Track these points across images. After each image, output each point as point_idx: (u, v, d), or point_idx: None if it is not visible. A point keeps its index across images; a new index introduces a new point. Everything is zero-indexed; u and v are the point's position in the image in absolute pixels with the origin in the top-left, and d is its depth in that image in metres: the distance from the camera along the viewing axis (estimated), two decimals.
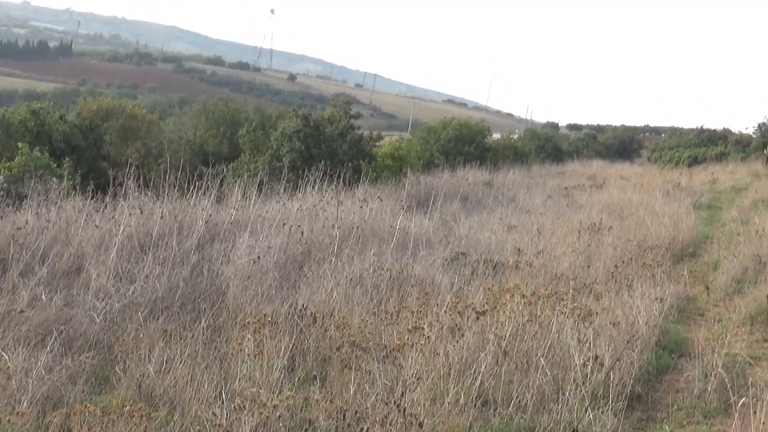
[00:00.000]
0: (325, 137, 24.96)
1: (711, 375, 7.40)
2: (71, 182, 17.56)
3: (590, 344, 7.09)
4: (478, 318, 7.27)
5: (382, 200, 17.20)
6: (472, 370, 6.65)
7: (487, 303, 7.92)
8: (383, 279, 10.67)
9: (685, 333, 9.61)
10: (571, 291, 8.99)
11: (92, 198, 14.03)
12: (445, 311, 7.53)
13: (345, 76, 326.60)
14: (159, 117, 38.29)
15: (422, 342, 6.79)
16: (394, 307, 8.41)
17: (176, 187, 14.60)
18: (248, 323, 7.56)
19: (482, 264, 11.91)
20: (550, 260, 12.57)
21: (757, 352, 8.72)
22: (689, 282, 13.29)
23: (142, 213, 12.59)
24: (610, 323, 7.70)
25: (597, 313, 7.71)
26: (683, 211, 21.23)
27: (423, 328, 7.09)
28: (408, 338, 6.83)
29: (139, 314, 8.93)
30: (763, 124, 49.79)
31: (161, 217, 12.35)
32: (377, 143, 28.25)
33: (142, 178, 14.42)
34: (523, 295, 7.58)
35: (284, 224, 13.22)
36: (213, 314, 9.42)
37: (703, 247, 16.32)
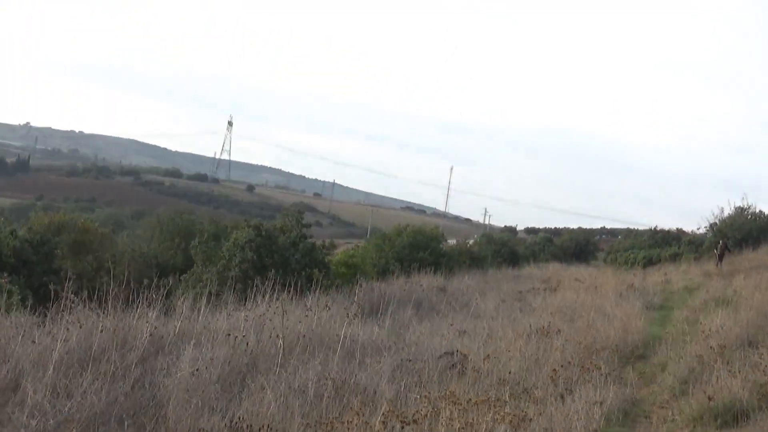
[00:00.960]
0: (277, 247, 24.97)
1: None
2: (18, 297, 17.36)
3: None
4: (402, 428, 7.14)
5: (330, 308, 17.05)
6: None
7: (422, 411, 7.82)
8: (326, 389, 10.53)
9: None
10: (507, 396, 8.89)
11: (35, 313, 13.83)
12: (378, 421, 7.37)
13: (304, 185, 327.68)
14: (112, 230, 38.19)
15: None
16: (330, 418, 8.27)
17: (121, 300, 14.42)
18: None
19: (427, 371, 11.81)
20: (497, 365, 12.49)
21: None
22: (637, 383, 13.27)
23: (81, 327, 12.35)
24: (544, 429, 7.59)
25: (531, 418, 7.59)
26: (635, 312, 21.30)
27: None
28: None
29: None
30: (714, 224, 50.37)
31: (101, 331, 12.10)
32: (330, 252, 28.29)
33: (87, 292, 14.24)
34: (458, 403, 7.48)
35: (228, 335, 13.06)
36: (152, 429, 9.22)
37: (652, 348, 16.29)
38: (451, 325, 18.09)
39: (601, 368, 12.97)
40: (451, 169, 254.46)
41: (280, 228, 26.29)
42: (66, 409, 9.62)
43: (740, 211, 50.28)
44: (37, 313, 14.02)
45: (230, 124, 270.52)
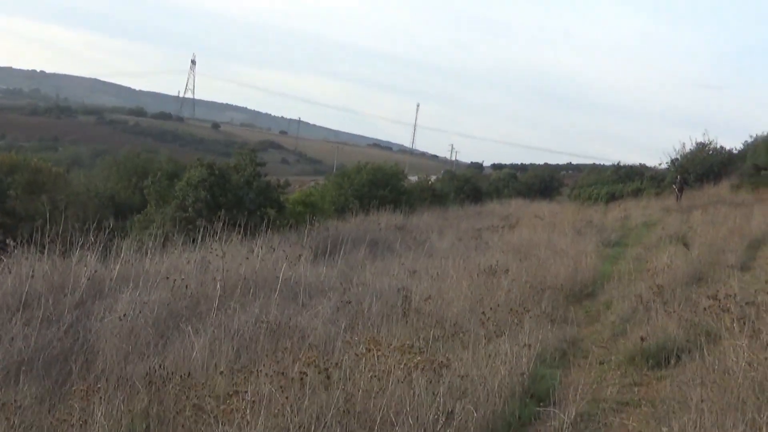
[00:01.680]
0: (231, 186, 24.64)
1: (567, 426, 7.18)
2: None
3: (440, 398, 6.80)
4: (320, 373, 6.95)
5: (275, 249, 16.81)
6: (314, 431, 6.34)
7: (340, 359, 7.65)
8: (260, 333, 10.34)
9: (563, 378, 9.39)
10: (434, 340, 8.74)
11: None
12: (299, 366, 7.18)
13: (269, 123, 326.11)
14: (67, 169, 37.62)
15: (258, 402, 6.45)
16: (249, 364, 8.09)
17: (62, 243, 14.15)
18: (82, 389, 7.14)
19: (365, 313, 11.65)
20: (439, 306, 12.33)
21: (625, 397, 8.54)
22: (582, 322, 13.19)
23: (10, 272, 12.06)
24: (460, 376, 7.41)
25: (448, 364, 7.40)
26: (589, 250, 21.23)
27: (272, 385, 6.77)
28: (247, 397, 6.49)
29: None
30: (676, 159, 50.48)
31: (32, 276, 11.80)
32: (285, 190, 27.99)
33: (37, 233, 13.94)
34: (379, 348, 7.28)
35: (167, 278, 12.83)
36: (77, 374, 9.02)
37: (601, 286, 16.20)
38: (402, 264, 17.89)
39: (542, 307, 12.88)
40: (418, 106, 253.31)
41: (234, 167, 25.94)
42: None
43: (701, 147, 50.41)
44: None
45: (193, 62, 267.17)
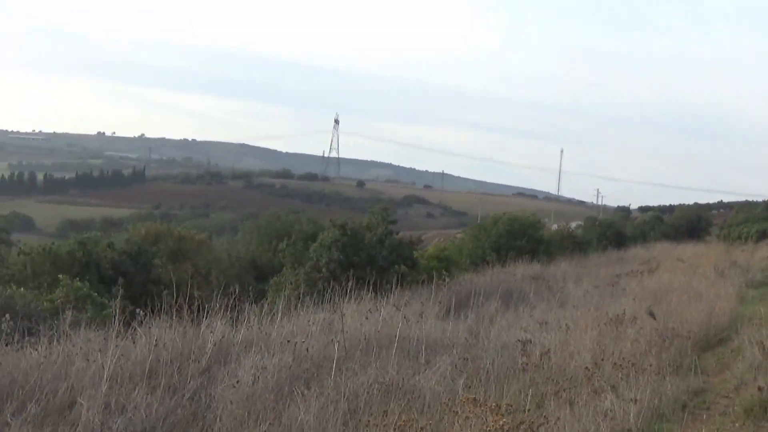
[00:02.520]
0: (363, 245, 24.91)
1: None
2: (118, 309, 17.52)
3: None
4: None
5: (399, 308, 16.80)
6: None
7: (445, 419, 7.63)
8: (376, 394, 10.38)
9: None
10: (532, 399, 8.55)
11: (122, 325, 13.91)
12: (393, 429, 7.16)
13: (413, 178, 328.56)
14: (209, 236, 38.72)
15: None
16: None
17: (192, 309, 14.51)
18: None
19: (484, 370, 11.56)
20: (562, 360, 12.12)
21: None
22: (713, 371, 12.76)
23: (134, 342, 12.45)
24: None
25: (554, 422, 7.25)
26: (729, 293, 20.59)
27: None
28: None
29: None
30: None
31: (155, 345, 12.14)
32: (417, 246, 28.11)
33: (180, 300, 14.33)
34: (471, 410, 7.18)
35: (288, 341, 13.01)
36: None
37: (737, 331, 15.64)
38: (531, 316, 17.69)
39: (666, 357, 12.50)
40: (561, 151, 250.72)
41: (366, 226, 26.22)
42: (116, 425, 9.68)
43: None
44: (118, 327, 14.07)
45: (336, 122, 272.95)
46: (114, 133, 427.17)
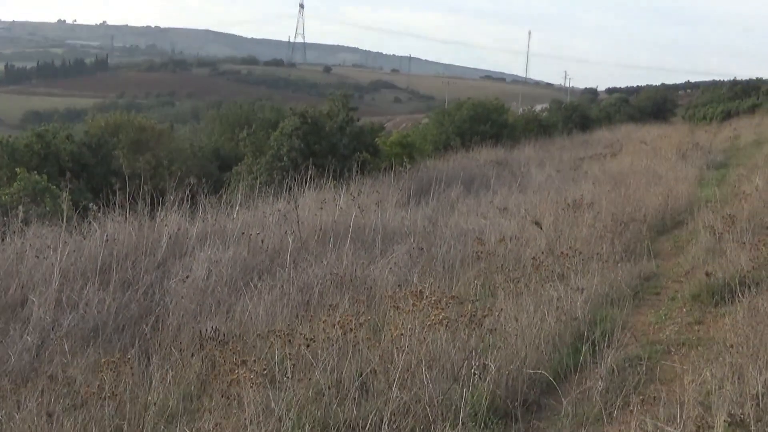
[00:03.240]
0: (324, 133, 24.66)
1: (615, 371, 6.96)
2: (79, 202, 17.28)
3: (474, 352, 6.64)
4: (345, 334, 6.87)
5: (356, 196, 16.70)
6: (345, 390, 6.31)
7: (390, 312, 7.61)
8: (329, 286, 10.35)
9: (630, 318, 9.11)
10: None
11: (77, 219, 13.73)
12: (336, 323, 7.11)
13: (381, 62, 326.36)
14: (171, 126, 38.21)
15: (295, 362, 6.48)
16: (298, 320, 8.11)
17: (152, 202, 14.37)
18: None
19: (439, 259, 11.55)
20: (516, 246, 12.11)
21: (681, 337, 8.24)
22: (668, 255, 12.84)
23: (84, 237, 12.30)
24: (490, 330, 7.22)
25: (485, 315, 7.22)
26: (689, 175, 20.66)
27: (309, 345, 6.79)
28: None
29: (65, 346, 8.64)
30: None
31: (105, 240, 12.00)
32: (380, 133, 27.91)
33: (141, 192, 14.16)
34: (414, 303, 7.13)
35: (242, 233, 12.93)
36: (149, 336, 9.17)
37: (695, 214, 15.68)
38: (491, 202, 17.66)
39: (621, 242, 12.53)
40: (529, 33, 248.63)
41: (327, 113, 25.90)
42: (67, 322, 9.60)
43: None
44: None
45: (302, 6, 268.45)
46: (75, 20, 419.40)
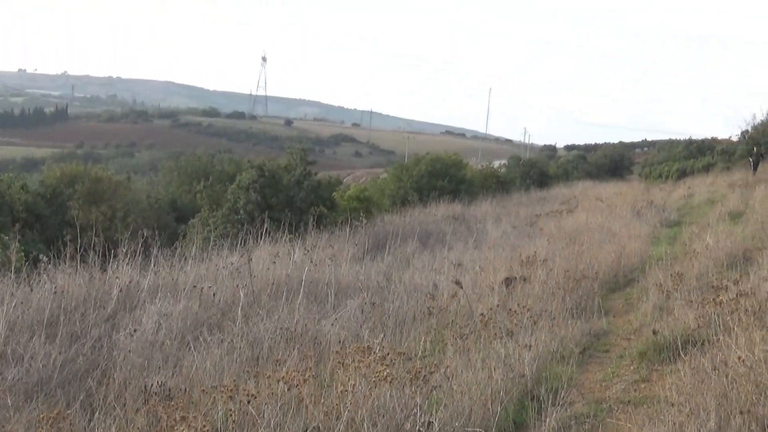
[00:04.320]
0: (281, 186, 24.68)
1: (559, 429, 6.96)
2: (30, 252, 17.16)
3: (419, 408, 6.61)
4: (290, 389, 6.83)
5: (310, 250, 16.70)
6: None
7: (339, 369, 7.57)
8: (280, 341, 10.28)
9: (578, 375, 9.14)
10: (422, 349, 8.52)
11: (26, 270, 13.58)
12: (282, 379, 7.07)
13: (342, 116, 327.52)
14: (128, 177, 38.04)
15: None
16: (245, 377, 8.04)
17: (101, 253, 14.25)
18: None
19: (390, 314, 11.52)
20: (469, 303, 12.10)
21: (628, 395, 8.28)
22: (620, 312, 12.91)
23: (31, 289, 12.15)
24: (435, 386, 7.21)
25: (444, 369, 7.23)
26: (643, 233, 20.85)
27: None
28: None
29: (8, 400, 8.49)
30: (746, 131, 49.37)
31: (54, 292, 11.86)
32: (337, 187, 28.00)
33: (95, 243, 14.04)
34: (361, 360, 7.11)
35: (194, 286, 12.83)
36: (94, 390, 9.03)
37: (648, 271, 15.80)
38: (445, 258, 17.68)
39: (573, 299, 12.58)
40: (490, 90, 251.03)
41: (284, 167, 25.94)
42: (11, 375, 9.44)
43: None
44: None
45: (264, 59, 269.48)
46: (36, 70, 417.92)
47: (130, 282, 13.23)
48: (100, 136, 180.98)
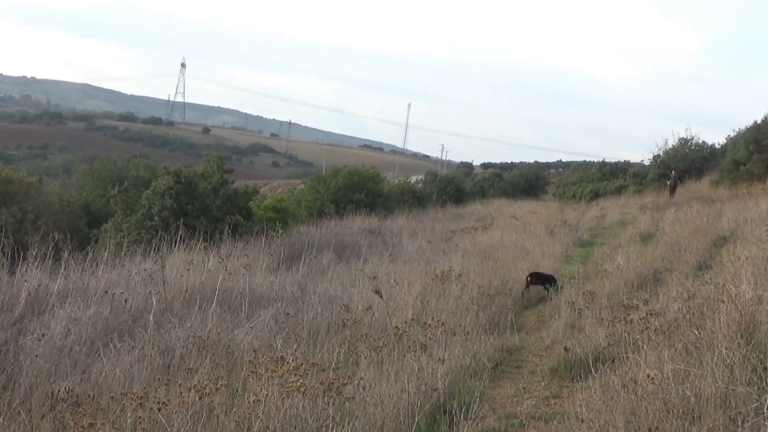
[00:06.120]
0: (197, 193, 24.42)
1: None
2: None
3: (332, 420, 6.61)
4: (201, 398, 6.77)
5: (225, 259, 16.58)
6: None
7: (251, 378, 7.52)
8: (191, 349, 10.16)
9: (490, 390, 9.24)
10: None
11: None
12: (193, 389, 7.00)
13: (261, 126, 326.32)
14: (40, 179, 37.26)
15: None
16: (157, 384, 7.94)
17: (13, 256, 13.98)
18: None
19: (304, 325, 11.49)
20: (383, 315, 12.13)
21: (539, 411, 8.38)
22: (532, 328, 13.05)
23: None
24: (347, 398, 7.22)
25: (358, 381, 7.24)
26: (556, 251, 21.12)
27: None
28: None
29: None
30: (658, 155, 50.29)
31: None
32: (254, 196, 27.82)
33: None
34: (274, 370, 7.09)
35: (105, 292, 12.63)
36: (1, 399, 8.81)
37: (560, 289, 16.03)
38: (361, 270, 17.71)
39: (486, 315, 12.70)
40: (409, 105, 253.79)
41: (201, 174, 25.69)
42: None
43: (683, 142, 50.12)
44: None
45: (183, 65, 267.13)
46: None
47: (39, 286, 12.98)
48: (12, 136, 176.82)
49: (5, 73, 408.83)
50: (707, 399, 6.92)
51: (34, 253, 14.08)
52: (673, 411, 6.83)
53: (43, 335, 10.47)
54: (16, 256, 13.96)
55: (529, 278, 16.04)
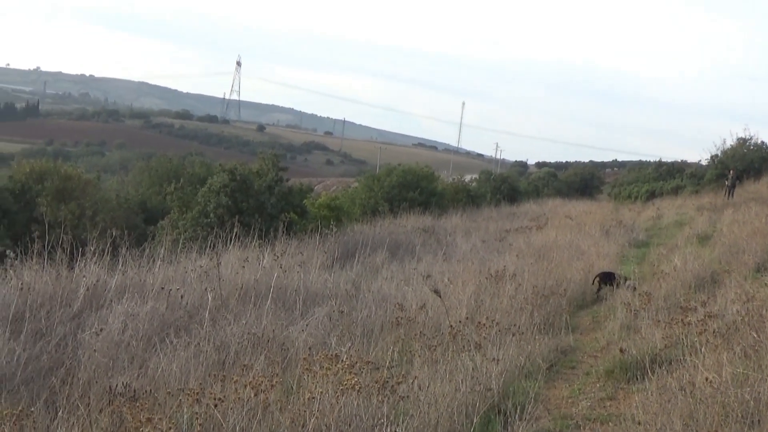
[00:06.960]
0: (252, 191, 24.58)
1: None
2: None
3: (386, 419, 6.62)
4: (257, 395, 6.81)
5: (280, 256, 16.64)
6: None
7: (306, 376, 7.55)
8: (246, 346, 10.23)
9: (545, 391, 9.19)
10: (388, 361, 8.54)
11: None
12: (248, 384, 7.04)
13: (315, 124, 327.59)
14: (98, 176, 37.73)
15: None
16: (210, 381, 8.00)
17: (69, 251, 14.15)
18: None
19: (358, 323, 11.51)
20: (437, 314, 12.12)
21: (594, 413, 8.32)
22: (588, 329, 12.96)
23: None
24: (402, 396, 7.21)
25: (412, 380, 7.24)
26: (611, 252, 20.95)
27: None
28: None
29: None
30: (716, 155, 49.65)
31: (20, 288, 11.75)
32: (308, 194, 27.92)
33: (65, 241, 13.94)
34: (328, 367, 7.11)
35: (162, 288, 12.75)
36: (58, 389, 8.94)
37: (617, 289, 15.87)
38: (415, 269, 17.70)
39: (541, 315, 12.63)
40: (463, 104, 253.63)
41: (256, 172, 25.86)
42: None
43: (742, 142, 49.47)
44: None
45: (239, 64, 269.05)
46: (8, 64, 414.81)
47: (97, 281, 13.13)
48: (71, 133, 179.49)
49: (65, 71, 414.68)
50: (767, 403, 6.83)
51: (92, 249, 14.23)
52: (731, 415, 6.76)
53: (101, 330, 10.60)
54: (74, 251, 14.13)
55: (597, 278, 15.96)
